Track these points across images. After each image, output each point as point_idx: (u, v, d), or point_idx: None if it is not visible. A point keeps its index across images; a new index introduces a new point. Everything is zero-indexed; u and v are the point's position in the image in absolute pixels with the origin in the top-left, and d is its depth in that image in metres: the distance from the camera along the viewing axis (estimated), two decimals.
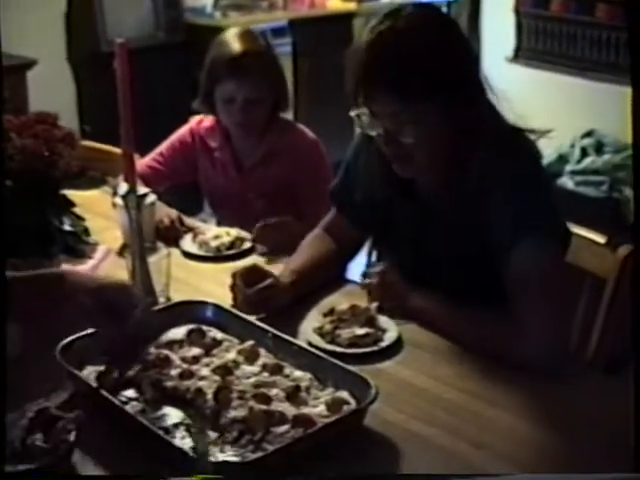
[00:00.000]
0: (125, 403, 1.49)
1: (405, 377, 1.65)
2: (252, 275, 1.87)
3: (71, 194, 2.11)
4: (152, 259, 1.90)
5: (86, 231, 2.16)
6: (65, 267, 1.99)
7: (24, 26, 4.43)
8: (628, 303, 1.86)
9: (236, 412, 1.45)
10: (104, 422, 1.45)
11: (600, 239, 1.98)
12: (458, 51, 1.78)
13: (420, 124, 1.74)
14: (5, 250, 1.60)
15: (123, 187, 1.86)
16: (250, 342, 1.67)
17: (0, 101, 1.84)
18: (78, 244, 2.12)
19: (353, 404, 1.48)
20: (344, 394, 1.50)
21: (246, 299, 1.83)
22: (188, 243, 2.31)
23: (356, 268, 2.28)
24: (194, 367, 1.60)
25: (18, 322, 1.51)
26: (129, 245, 1.93)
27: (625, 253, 1.88)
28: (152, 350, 1.63)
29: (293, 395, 1.51)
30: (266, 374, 1.58)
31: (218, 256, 2.24)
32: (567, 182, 4.74)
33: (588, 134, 5.01)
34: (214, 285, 1.99)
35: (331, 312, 1.82)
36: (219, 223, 2.73)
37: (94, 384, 1.52)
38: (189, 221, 2.45)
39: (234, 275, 1.87)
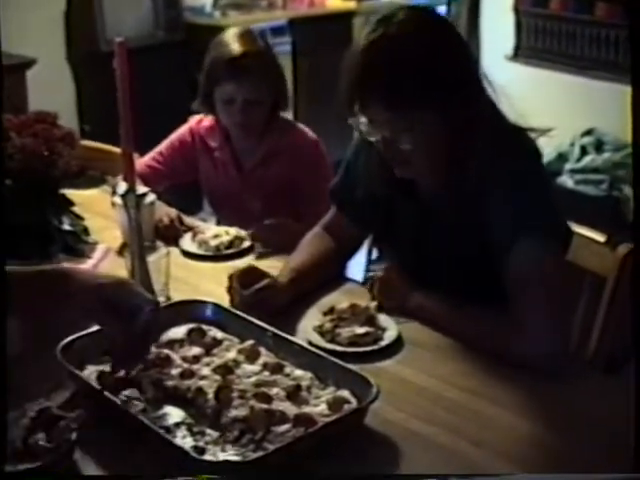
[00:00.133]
0: (126, 402, 1.49)
1: (405, 376, 1.65)
2: (249, 276, 1.86)
3: (70, 193, 2.11)
4: (151, 258, 1.90)
5: (85, 230, 2.16)
6: (65, 265, 1.99)
7: (24, 25, 4.43)
8: (628, 302, 1.86)
9: (237, 411, 1.45)
10: (105, 421, 1.45)
11: (600, 238, 1.98)
12: (453, 54, 1.76)
13: (417, 130, 1.74)
14: (5, 250, 1.59)
15: (122, 186, 1.86)
16: (250, 341, 1.67)
17: (0, 101, 1.84)
18: (77, 243, 2.12)
19: (354, 403, 1.48)
20: (345, 393, 1.50)
21: (243, 301, 1.83)
22: (187, 242, 2.31)
23: (356, 267, 2.29)
24: (195, 366, 1.60)
25: (19, 319, 1.51)
26: (128, 244, 1.93)
27: (625, 252, 1.88)
28: (152, 349, 1.63)
29: (294, 394, 1.51)
30: (267, 373, 1.58)
31: (217, 255, 2.24)
32: (567, 181, 4.74)
33: (588, 132, 5.01)
34: (214, 284, 1.98)
35: (331, 311, 1.82)
36: (219, 222, 2.73)
37: (95, 384, 1.52)
38: (188, 220, 2.45)
39: (230, 277, 1.87)
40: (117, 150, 1.95)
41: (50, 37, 4.81)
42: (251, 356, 1.63)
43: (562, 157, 4.89)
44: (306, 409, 1.47)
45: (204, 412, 1.47)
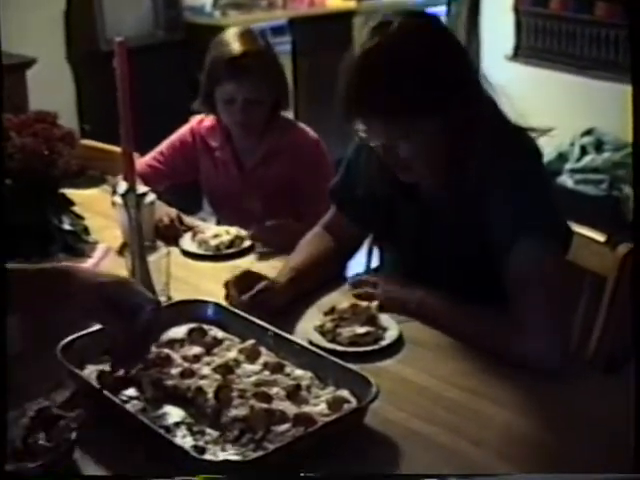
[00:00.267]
0: (126, 402, 1.49)
1: (406, 375, 1.65)
2: (245, 281, 1.86)
3: (71, 193, 2.11)
4: (152, 258, 1.90)
5: (86, 230, 2.16)
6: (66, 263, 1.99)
7: (24, 25, 4.43)
8: (628, 302, 1.86)
9: (237, 411, 1.45)
10: (105, 421, 1.45)
11: (600, 237, 1.98)
12: (450, 61, 1.75)
13: (415, 137, 1.74)
14: (5, 249, 1.59)
15: (122, 186, 1.86)
16: (251, 341, 1.67)
17: (0, 100, 1.84)
18: (78, 243, 2.12)
19: (354, 403, 1.48)
20: (345, 393, 1.50)
21: (241, 306, 1.82)
22: (188, 242, 2.31)
23: (356, 267, 2.29)
24: (195, 366, 1.60)
25: (19, 317, 1.51)
26: (129, 244, 1.93)
27: (625, 251, 1.88)
28: (153, 349, 1.63)
29: (294, 394, 1.51)
30: (267, 373, 1.58)
31: (218, 255, 2.24)
32: (567, 180, 4.74)
33: (588, 132, 5.00)
34: (214, 284, 1.98)
35: (332, 311, 1.82)
36: (219, 222, 2.74)
37: (95, 383, 1.52)
38: (188, 220, 2.45)
39: (227, 284, 1.87)
40: (117, 150, 1.96)
41: (50, 37, 4.81)
42: (251, 356, 1.63)
43: (562, 157, 4.89)
44: (306, 409, 1.47)
45: (204, 411, 1.47)
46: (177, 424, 1.44)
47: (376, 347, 1.74)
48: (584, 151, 4.91)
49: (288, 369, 1.59)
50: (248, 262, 2.20)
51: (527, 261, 1.71)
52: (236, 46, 2.48)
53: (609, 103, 4.58)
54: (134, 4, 4.93)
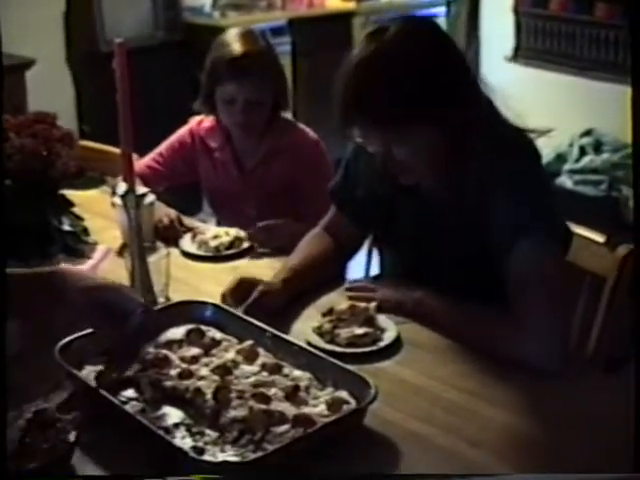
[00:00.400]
0: (125, 403, 1.49)
1: (404, 377, 1.65)
2: (241, 289, 1.86)
3: (70, 194, 2.11)
4: (151, 259, 1.90)
5: (85, 231, 2.16)
6: (63, 266, 1.99)
7: (23, 26, 4.42)
8: (627, 302, 1.86)
9: (236, 412, 1.45)
10: (104, 422, 1.45)
11: (599, 238, 1.98)
12: (446, 67, 1.74)
13: (412, 143, 1.74)
14: (5, 250, 1.59)
15: (122, 187, 1.86)
16: (249, 342, 1.67)
17: (0, 101, 1.84)
18: (77, 244, 2.12)
19: (353, 404, 1.48)
20: (343, 394, 1.50)
21: None
22: (187, 243, 2.31)
23: (356, 267, 2.29)
24: (193, 367, 1.60)
25: (15, 319, 1.51)
26: (128, 245, 1.93)
27: (624, 252, 1.88)
28: (151, 350, 1.63)
29: (292, 395, 1.51)
30: (265, 374, 1.58)
31: (217, 256, 2.24)
32: (566, 181, 4.74)
33: (587, 133, 5.01)
34: (213, 285, 1.98)
35: (330, 312, 1.82)
36: (219, 223, 2.73)
37: (93, 384, 1.52)
38: (188, 221, 2.45)
39: (224, 296, 1.86)
40: (116, 151, 1.95)
41: (49, 38, 4.81)
42: (250, 357, 1.63)
43: (561, 158, 4.89)
44: (305, 410, 1.47)
45: (203, 412, 1.47)
46: (176, 425, 1.44)
47: (374, 348, 1.74)
48: (583, 152, 4.91)
49: (286, 370, 1.59)
50: (247, 263, 2.20)
51: (527, 262, 1.71)
52: (237, 47, 2.48)
53: (608, 104, 4.58)
54: (133, 5, 4.93)
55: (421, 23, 1.86)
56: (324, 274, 2.03)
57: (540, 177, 1.84)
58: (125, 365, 1.55)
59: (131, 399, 1.51)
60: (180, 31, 5.13)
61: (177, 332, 1.72)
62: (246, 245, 2.28)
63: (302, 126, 2.65)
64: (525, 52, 5.53)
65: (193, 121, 2.69)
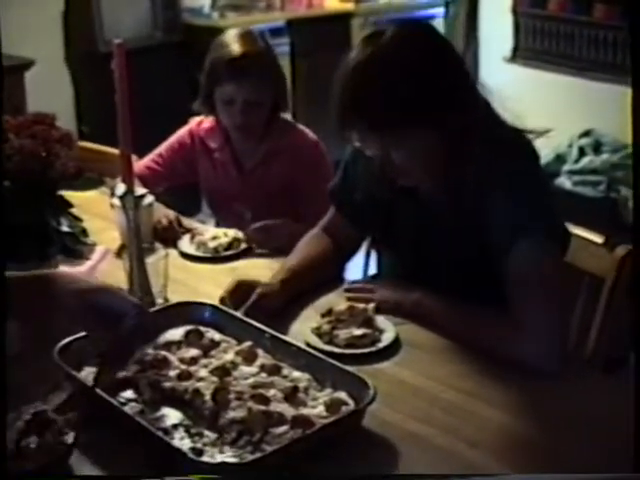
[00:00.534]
0: (124, 404, 1.49)
1: (403, 377, 1.65)
2: (239, 292, 1.86)
3: (69, 195, 2.11)
4: (150, 260, 1.90)
5: (84, 232, 2.16)
6: (61, 268, 1.99)
7: (22, 26, 4.42)
8: (625, 303, 1.86)
9: (235, 413, 1.45)
10: (103, 423, 1.45)
11: (598, 239, 1.98)
12: (443, 71, 1.74)
13: (410, 146, 1.74)
14: (4, 251, 1.59)
15: (121, 188, 1.86)
16: (248, 343, 1.67)
17: (0, 102, 1.84)
18: (76, 245, 2.12)
19: (351, 405, 1.48)
20: (342, 395, 1.50)
21: None
22: (186, 244, 2.31)
23: (354, 268, 2.29)
24: (192, 368, 1.60)
25: (12, 321, 1.51)
26: (127, 246, 1.93)
27: (623, 253, 1.89)
28: (150, 351, 1.63)
29: (291, 396, 1.51)
30: (264, 375, 1.58)
31: (216, 257, 2.24)
32: (565, 182, 4.74)
33: (586, 134, 5.01)
34: (212, 286, 1.98)
35: (329, 312, 1.82)
36: (217, 224, 2.73)
37: (92, 385, 1.52)
38: (187, 222, 2.45)
39: (222, 299, 1.86)
40: (115, 151, 1.95)
41: (48, 38, 4.81)
42: (249, 358, 1.63)
43: (560, 158, 4.89)
44: (304, 411, 1.47)
45: (202, 414, 1.47)
46: (175, 426, 1.44)
47: (373, 349, 1.74)
48: (582, 152, 4.91)
49: (285, 371, 1.59)
50: (246, 264, 2.20)
51: (526, 262, 1.71)
52: (236, 47, 2.48)
53: (607, 104, 4.58)
54: (132, 6, 4.93)
55: (418, 26, 1.85)
56: (322, 275, 2.03)
57: (539, 177, 1.84)
58: (119, 367, 1.55)
59: (130, 400, 1.51)
60: (179, 32, 5.13)
61: (176, 333, 1.72)
62: (245, 246, 2.28)
63: (301, 127, 2.65)
64: (524, 53, 5.54)
65: (193, 122, 2.69)
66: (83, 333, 1.60)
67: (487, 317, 1.75)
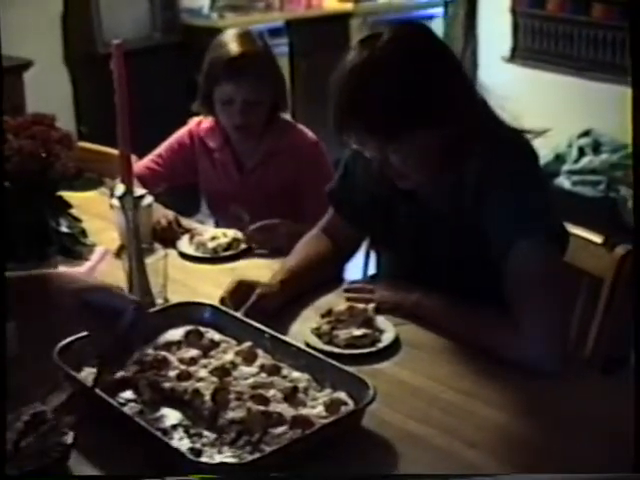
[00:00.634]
0: (123, 404, 1.49)
1: (402, 377, 1.65)
2: (239, 292, 1.86)
3: (68, 195, 2.11)
4: (149, 260, 1.90)
5: (83, 232, 2.16)
6: (60, 269, 1.99)
7: (21, 27, 4.42)
8: (625, 303, 1.86)
9: (234, 413, 1.45)
10: (102, 423, 1.45)
11: (597, 239, 1.98)
12: (441, 73, 1.74)
13: (409, 150, 1.74)
14: (4, 251, 1.59)
15: (120, 188, 1.86)
16: (248, 343, 1.67)
17: (0, 102, 1.84)
18: (75, 245, 2.12)
19: (351, 405, 1.48)
20: (342, 395, 1.50)
21: None
22: (185, 244, 2.31)
23: (354, 269, 2.29)
24: (192, 368, 1.60)
25: (11, 321, 1.51)
26: (126, 246, 1.93)
27: (622, 253, 1.89)
28: (150, 351, 1.63)
29: (291, 396, 1.51)
30: (264, 375, 1.58)
31: (215, 257, 2.24)
32: (564, 182, 4.74)
33: (585, 134, 5.01)
34: (211, 286, 1.98)
35: (329, 313, 1.82)
36: (217, 224, 2.73)
37: (91, 386, 1.52)
38: (186, 222, 2.45)
39: (222, 299, 1.86)
40: (115, 152, 1.95)
41: (47, 39, 4.81)
42: (248, 358, 1.63)
43: (559, 158, 4.89)
44: (303, 411, 1.47)
45: (201, 414, 1.47)
46: (174, 426, 1.44)
47: (373, 349, 1.74)
48: (581, 152, 4.91)
49: (285, 371, 1.59)
50: (245, 264, 2.20)
51: (526, 263, 1.71)
52: (234, 47, 2.48)
53: (606, 104, 4.59)
54: (131, 6, 4.93)
55: (414, 28, 1.84)
56: (322, 275, 2.03)
57: (538, 178, 1.84)
58: (119, 364, 1.55)
59: (129, 400, 1.51)
60: (178, 32, 5.13)
61: (176, 333, 1.72)
62: (244, 246, 2.28)
63: (301, 127, 2.65)
64: (522, 52, 5.54)
65: (192, 122, 2.69)
66: (83, 334, 1.60)
67: (487, 317, 1.75)
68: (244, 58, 2.46)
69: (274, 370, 1.59)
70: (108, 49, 1.78)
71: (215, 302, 1.83)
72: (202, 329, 1.73)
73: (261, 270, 2.07)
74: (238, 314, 1.78)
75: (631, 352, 1.68)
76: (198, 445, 1.40)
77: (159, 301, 1.90)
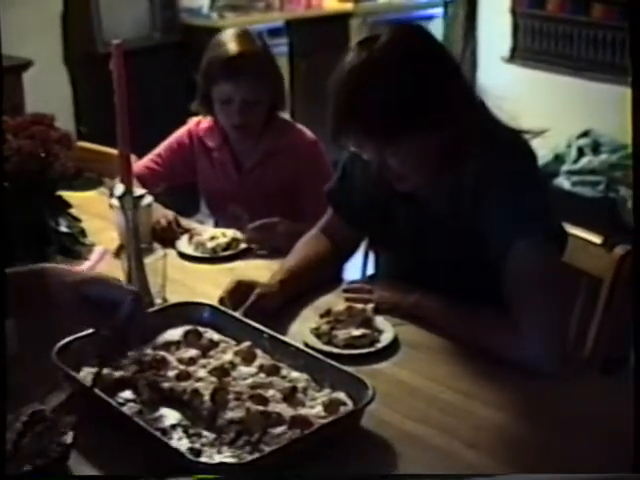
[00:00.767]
0: (122, 405, 1.49)
1: (401, 378, 1.65)
2: (238, 292, 1.86)
3: (68, 195, 2.11)
4: (148, 260, 1.90)
5: (82, 232, 2.16)
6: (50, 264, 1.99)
7: (20, 27, 4.42)
8: (624, 303, 1.86)
9: (233, 413, 1.45)
10: (101, 423, 1.45)
11: (596, 239, 1.98)
12: (439, 75, 1.74)
13: (405, 152, 1.74)
14: (4, 251, 1.59)
15: (119, 188, 1.86)
16: (247, 343, 1.67)
17: (0, 102, 1.84)
18: (74, 245, 2.12)
19: (350, 405, 1.48)
20: (341, 395, 1.50)
21: None
22: (184, 244, 2.31)
23: (353, 269, 2.29)
24: (191, 368, 1.60)
25: (10, 319, 1.50)
26: (125, 246, 1.93)
27: (621, 253, 1.89)
28: (149, 351, 1.63)
29: (290, 396, 1.51)
30: (263, 375, 1.58)
31: (214, 257, 2.24)
32: (563, 182, 4.74)
33: (584, 134, 5.01)
34: (210, 286, 1.98)
35: (328, 313, 1.82)
36: (216, 224, 2.73)
37: (90, 385, 1.52)
38: (185, 222, 2.45)
39: (222, 299, 1.86)
40: (114, 152, 1.95)
41: (47, 39, 4.81)
42: (247, 358, 1.63)
43: (559, 158, 4.89)
44: (302, 411, 1.47)
45: (200, 414, 1.47)
46: (173, 426, 1.44)
47: (372, 349, 1.74)
48: (581, 153, 4.92)
49: (284, 371, 1.59)
50: (245, 264, 2.20)
51: (525, 263, 1.71)
52: (233, 46, 2.48)
53: (606, 105, 4.59)
54: (131, 6, 4.93)
55: (412, 30, 1.84)
56: (321, 275, 2.03)
57: (536, 178, 1.84)
58: (118, 357, 1.55)
59: (128, 400, 1.51)
60: (178, 32, 5.13)
61: (174, 333, 1.72)
62: (243, 246, 2.28)
63: (300, 126, 2.65)
64: (522, 53, 5.54)
65: (191, 122, 2.69)
66: (82, 333, 1.60)
67: (486, 317, 1.75)
68: (242, 58, 2.46)
69: (273, 370, 1.59)
70: (108, 49, 1.78)
71: (214, 302, 1.83)
72: (201, 329, 1.73)
73: (260, 270, 2.07)
74: (237, 314, 1.78)
75: (630, 352, 1.68)
76: (197, 445, 1.40)
77: (158, 301, 1.90)
